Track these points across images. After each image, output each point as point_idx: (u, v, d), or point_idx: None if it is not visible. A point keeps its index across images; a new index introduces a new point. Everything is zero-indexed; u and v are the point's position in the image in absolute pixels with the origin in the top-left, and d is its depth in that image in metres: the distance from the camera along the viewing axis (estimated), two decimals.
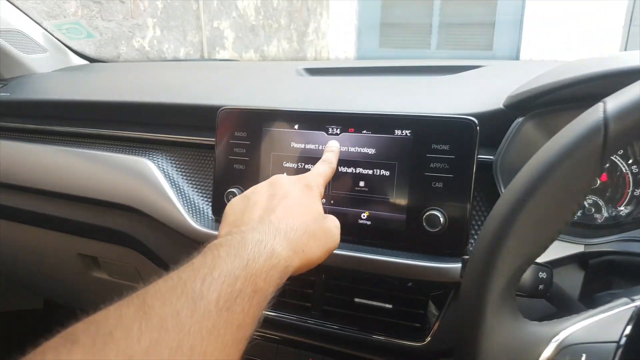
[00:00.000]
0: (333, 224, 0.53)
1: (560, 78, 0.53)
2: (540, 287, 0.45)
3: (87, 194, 0.78)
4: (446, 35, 4.87)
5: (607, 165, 0.63)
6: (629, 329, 0.35)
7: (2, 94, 0.93)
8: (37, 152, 0.84)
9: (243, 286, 0.38)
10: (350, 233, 0.62)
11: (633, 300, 0.37)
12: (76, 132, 0.84)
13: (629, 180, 0.62)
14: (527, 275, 0.45)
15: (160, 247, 0.74)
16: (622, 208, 0.62)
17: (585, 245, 0.58)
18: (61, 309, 1.31)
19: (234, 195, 0.66)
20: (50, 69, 1.13)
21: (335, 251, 0.61)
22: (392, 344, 0.60)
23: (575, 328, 0.35)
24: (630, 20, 4.24)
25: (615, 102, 0.34)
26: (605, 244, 0.58)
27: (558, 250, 0.57)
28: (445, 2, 4.83)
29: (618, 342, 0.34)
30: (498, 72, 0.76)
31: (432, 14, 4.87)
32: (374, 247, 0.61)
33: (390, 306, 0.61)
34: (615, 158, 0.62)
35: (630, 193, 0.62)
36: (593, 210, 0.63)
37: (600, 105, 0.35)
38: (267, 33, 3.98)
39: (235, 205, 0.52)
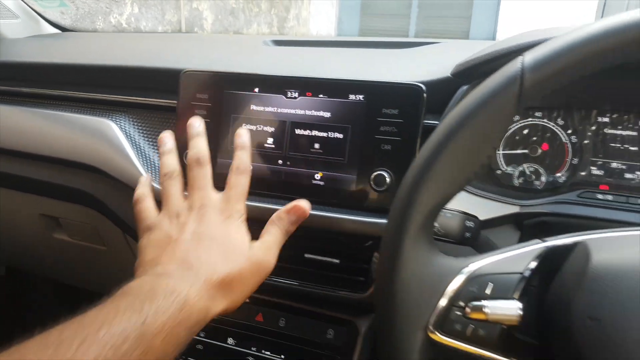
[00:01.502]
0: (262, 250, 0.51)
1: (499, 48, 0.57)
2: (467, 234, 0.49)
3: (49, 153, 0.78)
4: (424, 25, 4.94)
5: (548, 135, 0.67)
6: (534, 263, 0.39)
7: None
8: (3, 112, 0.84)
9: (130, 348, 0.36)
10: (304, 192, 0.65)
11: (544, 241, 0.41)
12: (39, 93, 0.84)
13: (568, 149, 0.66)
14: (455, 223, 0.49)
15: (120, 206, 0.76)
16: (559, 174, 0.66)
17: (520, 206, 0.62)
18: (23, 275, 1.31)
19: None
20: (21, 35, 1.13)
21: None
22: (338, 295, 0.63)
23: (485, 262, 0.39)
24: (604, 8, 4.36)
25: (532, 55, 0.37)
26: (539, 205, 0.62)
27: (495, 210, 0.61)
28: None
29: (522, 273, 0.38)
30: (452, 47, 0.80)
31: (411, 4, 4.92)
32: (327, 206, 0.64)
33: (337, 261, 0.64)
34: (556, 128, 0.67)
35: (569, 161, 0.66)
36: (533, 177, 0.67)
37: (519, 58, 0.38)
38: (247, 16, 3.97)
39: (155, 240, 0.50)
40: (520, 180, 0.68)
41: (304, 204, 0.57)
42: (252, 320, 0.69)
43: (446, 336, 0.37)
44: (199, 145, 0.59)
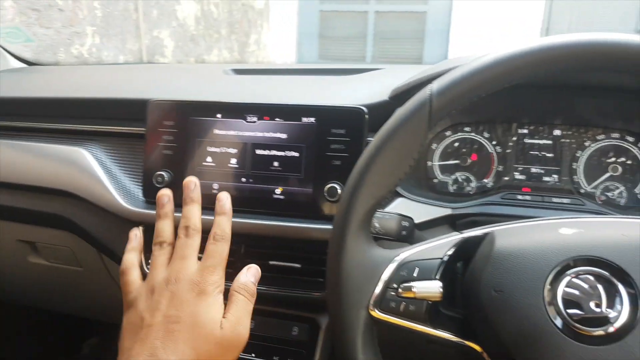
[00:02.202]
0: (234, 326, 0.52)
1: (424, 75, 0.67)
2: (403, 232, 0.58)
3: (24, 181, 0.83)
4: (380, 48, 5.16)
5: (476, 146, 0.77)
6: (452, 250, 0.48)
7: None
8: None
9: None
10: (266, 206, 0.72)
11: (461, 233, 0.50)
12: (12, 125, 0.89)
13: (494, 158, 0.77)
14: (393, 223, 0.58)
15: (95, 228, 0.81)
16: (487, 180, 0.77)
17: (452, 209, 0.71)
18: (1, 304, 1.32)
19: (163, 178, 0.74)
20: None
21: (253, 221, 0.71)
22: (300, 296, 0.71)
23: (413, 251, 0.48)
24: (548, 23, 4.66)
25: (438, 83, 0.47)
26: (469, 207, 0.72)
27: (431, 212, 0.70)
28: (379, 18, 5.13)
29: (442, 258, 0.47)
30: (393, 73, 0.90)
31: (367, 29, 5.14)
32: (287, 217, 0.72)
33: (299, 265, 0.72)
34: (482, 140, 0.77)
35: (495, 168, 0.77)
36: (465, 183, 0.77)
37: (429, 86, 0.48)
38: (208, 42, 4.05)
39: (131, 323, 0.52)
40: (454, 187, 0.78)
41: (256, 266, 0.60)
42: None
43: (384, 313, 0.45)
44: (192, 214, 0.60)
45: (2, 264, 1.02)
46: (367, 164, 0.46)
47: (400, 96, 0.71)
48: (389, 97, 0.72)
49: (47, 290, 1.04)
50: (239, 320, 0.54)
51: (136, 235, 0.65)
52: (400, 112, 0.47)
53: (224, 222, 0.59)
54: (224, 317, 0.53)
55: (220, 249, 0.56)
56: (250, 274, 0.59)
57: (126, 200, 0.77)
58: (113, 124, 0.83)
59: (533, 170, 0.77)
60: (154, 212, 0.75)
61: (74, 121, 0.86)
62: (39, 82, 1.04)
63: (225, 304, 0.55)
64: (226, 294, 0.57)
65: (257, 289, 0.72)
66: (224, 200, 0.61)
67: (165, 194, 0.63)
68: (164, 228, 0.61)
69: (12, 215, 0.88)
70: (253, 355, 0.73)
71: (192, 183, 0.62)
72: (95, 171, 0.79)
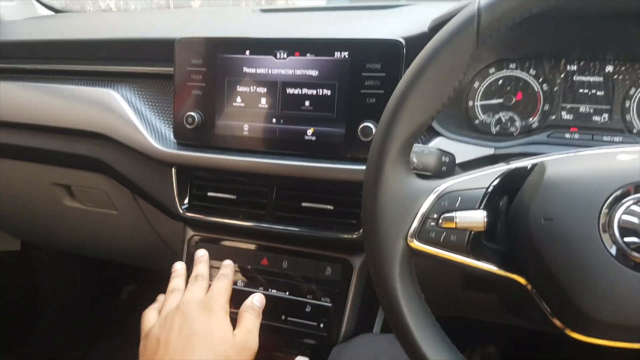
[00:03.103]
0: (244, 334, 0.59)
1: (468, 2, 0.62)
2: (443, 168, 0.55)
3: (58, 123, 0.84)
4: None
5: (521, 84, 0.73)
6: (497, 180, 0.45)
7: None
8: (8, 88, 0.89)
9: None
10: (298, 148, 0.70)
11: (507, 164, 0.47)
12: (43, 69, 0.89)
13: (540, 97, 0.72)
14: (433, 158, 0.55)
15: (128, 170, 0.82)
16: (532, 120, 0.72)
17: (495, 148, 0.68)
18: (37, 251, 1.37)
19: (193, 119, 0.73)
20: (17, 17, 1.16)
21: (284, 162, 0.70)
22: (333, 237, 0.70)
23: (455, 181, 0.45)
24: None
25: None
26: (512, 147, 0.68)
27: (472, 152, 0.67)
28: None
29: (486, 188, 0.44)
30: (430, 6, 0.84)
31: None
32: (319, 159, 0.70)
33: (331, 207, 0.70)
34: (528, 78, 0.72)
35: (540, 108, 0.72)
36: (509, 124, 0.73)
37: (475, 1, 0.44)
38: None
39: (148, 346, 0.58)
40: (497, 127, 0.74)
41: (260, 293, 0.71)
42: (258, 264, 0.75)
43: (423, 243, 0.44)
44: (201, 269, 0.71)
45: (39, 208, 1.05)
46: (408, 86, 0.43)
47: (442, 26, 0.66)
48: (428, 28, 0.68)
49: (84, 235, 1.07)
50: (249, 330, 0.61)
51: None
52: (445, 29, 0.43)
53: (228, 270, 0.71)
54: (234, 330, 0.60)
55: (224, 284, 0.66)
56: (255, 299, 0.68)
57: (157, 142, 0.76)
58: (142, 64, 0.82)
59: (582, 109, 0.72)
60: (186, 152, 0.75)
61: (103, 63, 0.84)
62: (67, 27, 1.03)
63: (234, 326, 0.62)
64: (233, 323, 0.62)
65: (291, 230, 0.72)
66: (225, 264, 0.73)
67: (178, 265, 0.75)
68: (176, 282, 0.71)
69: (47, 158, 0.89)
70: (287, 293, 0.74)
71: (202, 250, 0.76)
72: (126, 112, 0.79)
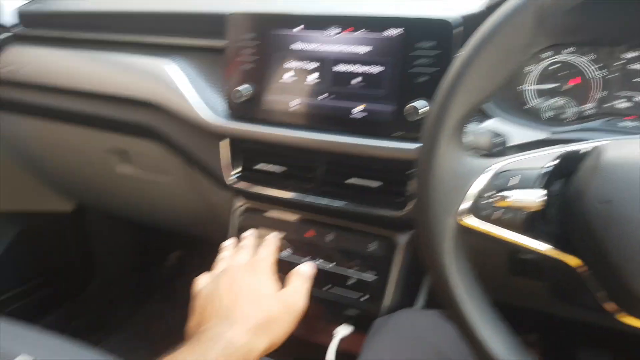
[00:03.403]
0: (291, 293, 0.61)
1: None
2: (495, 149, 0.55)
3: (114, 91, 0.88)
4: None
5: (577, 70, 0.70)
6: (555, 162, 0.45)
7: (34, 6, 1.02)
8: (66, 56, 0.94)
9: None
10: (346, 124, 0.71)
11: (566, 147, 0.46)
12: (102, 39, 0.92)
13: (596, 84, 0.70)
14: (486, 138, 0.55)
15: (181, 139, 0.85)
16: (587, 107, 0.70)
17: (551, 132, 0.66)
18: (90, 214, 1.45)
19: (244, 92, 0.74)
20: None
21: (332, 138, 0.71)
22: (378, 214, 0.71)
23: (511, 160, 0.45)
24: None
25: None
26: (566, 133, 0.67)
27: (524, 136, 0.66)
28: None
29: (543, 169, 0.44)
30: None
31: None
32: (367, 136, 0.70)
33: (377, 184, 0.71)
34: (585, 63, 0.70)
35: (596, 95, 0.70)
36: (561, 109, 0.71)
37: None
38: None
39: (197, 305, 0.61)
40: (550, 112, 0.72)
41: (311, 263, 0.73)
42: (304, 236, 0.78)
43: (475, 221, 0.44)
44: (248, 240, 0.74)
45: (93, 173, 1.10)
46: (466, 62, 0.43)
47: (499, 4, 0.65)
48: (487, 6, 0.66)
49: (135, 200, 1.12)
50: (297, 290, 0.63)
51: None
52: (507, 5, 0.43)
53: (272, 239, 0.73)
54: (281, 289, 0.62)
55: (268, 249, 0.69)
56: (304, 265, 0.70)
57: (209, 113, 0.79)
58: (196, 37, 0.84)
59: (638, 98, 0.69)
60: (237, 125, 0.77)
61: (158, 35, 0.87)
62: None
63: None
64: None
65: (337, 205, 0.73)
66: (270, 237, 0.75)
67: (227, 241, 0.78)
68: (227, 243, 0.76)
69: (103, 124, 0.94)
70: (331, 265, 0.76)
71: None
72: (180, 84, 0.81)
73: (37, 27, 1.02)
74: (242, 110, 0.77)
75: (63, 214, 1.41)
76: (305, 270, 0.68)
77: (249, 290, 0.59)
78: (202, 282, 0.66)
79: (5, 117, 1.10)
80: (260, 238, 0.76)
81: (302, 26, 0.72)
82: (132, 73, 0.86)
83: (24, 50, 1.00)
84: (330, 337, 0.74)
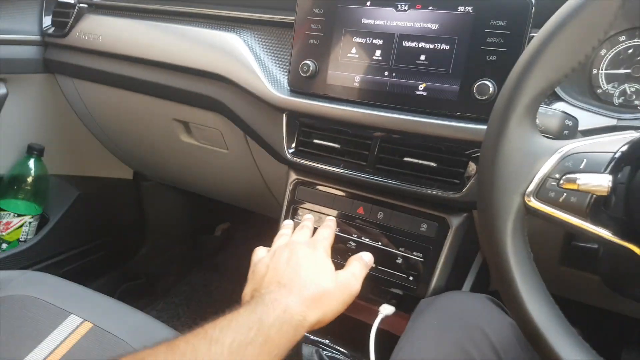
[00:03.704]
0: (347, 277, 0.61)
1: None
2: (566, 132, 0.53)
3: (182, 62, 0.91)
4: None
5: None
6: (626, 147, 0.43)
7: None
8: (138, 26, 0.98)
9: (255, 336, 0.47)
10: (407, 102, 0.71)
11: (638, 132, 0.45)
12: (173, 10, 0.96)
13: None
14: (556, 120, 0.53)
15: (244, 111, 0.87)
16: None
17: (618, 119, 0.64)
18: (146, 182, 1.52)
19: (308, 67, 0.76)
20: None
21: (391, 115, 0.71)
22: (433, 194, 0.70)
23: (581, 143, 0.44)
24: None
25: None
26: (635, 120, 0.64)
27: (593, 121, 0.63)
28: None
29: (614, 153, 0.43)
30: None
31: None
32: (427, 114, 0.70)
33: (435, 164, 0.71)
34: None
35: None
36: (634, 96, 0.68)
37: None
38: None
39: (256, 272, 0.62)
40: (621, 98, 0.69)
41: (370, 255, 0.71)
42: (354, 212, 0.79)
43: (541, 203, 0.43)
44: (307, 222, 0.75)
45: (156, 141, 1.15)
46: (546, 39, 0.42)
47: None
48: None
49: (194, 170, 1.16)
50: (354, 273, 0.63)
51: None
52: None
53: (331, 222, 0.73)
54: (339, 270, 0.62)
55: (327, 231, 0.69)
56: (366, 255, 0.69)
57: (273, 87, 0.80)
58: (264, 12, 0.86)
59: None
60: (298, 99, 0.78)
61: (226, 8, 0.90)
62: None
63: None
64: None
65: (391, 183, 0.74)
66: (332, 220, 0.75)
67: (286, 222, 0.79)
68: (287, 222, 0.77)
69: (169, 94, 0.98)
70: (380, 243, 0.76)
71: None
72: (246, 57, 0.84)
73: None
74: (304, 85, 0.78)
75: (122, 180, 1.49)
76: (366, 258, 0.69)
77: (308, 264, 0.60)
78: (261, 252, 0.68)
79: (79, 83, 1.16)
80: (314, 210, 0.77)
81: (370, 1, 0.72)
82: (201, 46, 0.89)
83: (100, 20, 1.06)
84: (373, 315, 0.75)
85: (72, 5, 1.09)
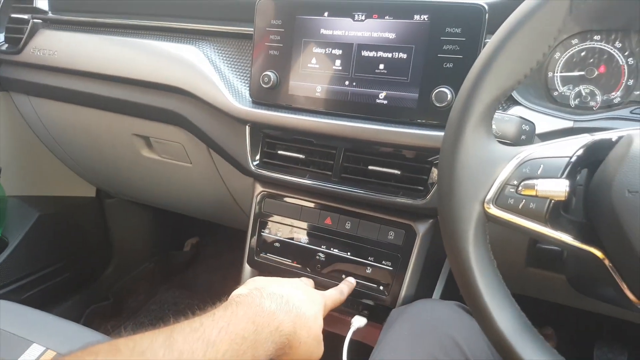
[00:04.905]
0: (320, 340, 0.60)
1: None
2: (523, 137, 0.54)
3: (141, 77, 0.89)
4: None
5: (605, 57, 0.69)
6: (581, 150, 0.44)
7: None
8: (96, 41, 0.95)
9: (247, 349, 0.47)
10: (368, 111, 0.71)
11: (592, 135, 0.45)
12: (130, 24, 0.94)
13: (624, 71, 0.68)
14: (512, 126, 0.54)
15: (206, 124, 0.86)
16: (615, 95, 0.69)
17: (574, 121, 0.65)
18: (110, 199, 1.48)
19: (269, 78, 0.75)
20: None
21: (354, 124, 0.71)
22: (398, 202, 0.70)
23: (537, 148, 0.44)
24: None
25: None
26: (592, 121, 0.65)
27: (550, 124, 0.65)
28: None
29: (570, 157, 0.43)
30: None
31: None
32: (389, 123, 0.70)
33: (398, 172, 0.71)
34: (613, 51, 0.69)
35: (624, 82, 0.69)
36: (589, 97, 0.70)
37: None
38: None
39: (263, 279, 0.63)
40: (576, 100, 0.71)
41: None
42: (322, 223, 0.78)
43: (501, 210, 0.44)
44: (345, 292, 0.72)
45: (118, 157, 1.12)
46: (497, 47, 0.43)
47: None
48: None
49: (158, 185, 1.14)
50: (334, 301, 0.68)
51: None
52: None
53: (346, 288, 0.73)
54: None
55: (337, 294, 0.69)
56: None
57: (234, 99, 0.79)
58: (223, 24, 0.84)
59: None
60: (260, 110, 0.77)
61: (185, 21, 0.88)
62: None
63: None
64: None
65: (356, 192, 0.73)
66: (353, 281, 0.76)
67: None
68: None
69: (129, 109, 0.95)
70: (349, 254, 0.76)
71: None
72: (206, 69, 0.82)
73: (67, 13, 1.04)
74: (266, 96, 0.77)
75: (84, 199, 1.44)
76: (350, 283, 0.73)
77: (306, 304, 0.59)
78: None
79: (35, 101, 1.13)
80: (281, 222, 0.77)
81: (328, 12, 0.72)
82: (159, 59, 0.87)
83: (55, 35, 1.03)
84: (346, 326, 0.74)
85: (26, 21, 1.05)
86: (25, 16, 1.05)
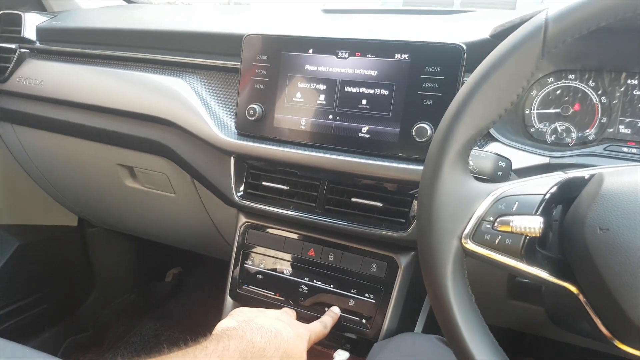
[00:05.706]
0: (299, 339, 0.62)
1: (534, 12, 0.62)
2: (499, 173, 0.56)
3: (127, 108, 0.90)
4: (469, 4, 4.83)
5: (580, 95, 0.72)
6: (555, 188, 0.45)
7: (54, 22, 1.05)
8: (82, 72, 0.96)
9: None
10: (351, 144, 0.72)
11: (565, 173, 0.47)
12: (118, 55, 0.95)
13: (598, 109, 0.71)
14: (489, 163, 0.56)
15: (190, 155, 0.86)
16: (589, 132, 0.72)
17: (550, 157, 0.67)
18: (92, 229, 1.46)
19: (254, 111, 0.77)
20: (93, 6, 1.25)
21: (337, 157, 0.72)
22: (381, 234, 0.71)
23: (512, 186, 0.46)
24: None
25: (554, 8, 0.44)
26: (568, 157, 0.68)
27: (526, 159, 0.67)
28: None
29: (544, 195, 0.45)
30: (491, 14, 0.85)
31: None
32: (372, 157, 0.71)
33: (381, 205, 0.72)
34: (587, 89, 0.72)
35: (598, 120, 0.71)
36: (564, 134, 0.73)
37: (544, 10, 0.44)
38: None
39: (248, 310, 0.64)
40: (552, 137, 0.73)
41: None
42: (305, 255, 0.78)
43: (477, 245, 0.44)
44: (328, 324, 0.72)
45: (101, 187, 1.11)
46: (472, 90, 0.44)
47: (504, 33, 0.66)
48: (490, 35, 0.68)
49: (141, 215, 1.13)
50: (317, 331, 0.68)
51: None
52: (512, 37, 0.44)
53: (329, 320, 0.73)
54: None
55: (320, 327, 0.70)
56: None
57: (220, 131, 0.80)
58: (210, 57, 0.86)
59: None
60: (245, 142, 0.78)
61: (172, 53, 0.90)
62: (138, 16, 1.09)
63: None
64: None
65: (339, 224, 0.74)
66: (337, 310, 0.75)
67: None
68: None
69: (114, 139, 0.96)
70: (331, 286, 0.76)
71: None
72: (192, 101, 0.83)
73: (55, 43, 1.05)
74: (251, 128, 0.79)
75: (66, 228, 1.42)
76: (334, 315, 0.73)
77: (290, 337, 0.60)
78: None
79: (19, 129, 1.12)
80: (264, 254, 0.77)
81: (312, 49, 0.74)
82: (146, 90, 0.88)
83: (42, 65, 1.03)
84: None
85: (13, 50, 1.06)
86: (13, 45, 1.06)
